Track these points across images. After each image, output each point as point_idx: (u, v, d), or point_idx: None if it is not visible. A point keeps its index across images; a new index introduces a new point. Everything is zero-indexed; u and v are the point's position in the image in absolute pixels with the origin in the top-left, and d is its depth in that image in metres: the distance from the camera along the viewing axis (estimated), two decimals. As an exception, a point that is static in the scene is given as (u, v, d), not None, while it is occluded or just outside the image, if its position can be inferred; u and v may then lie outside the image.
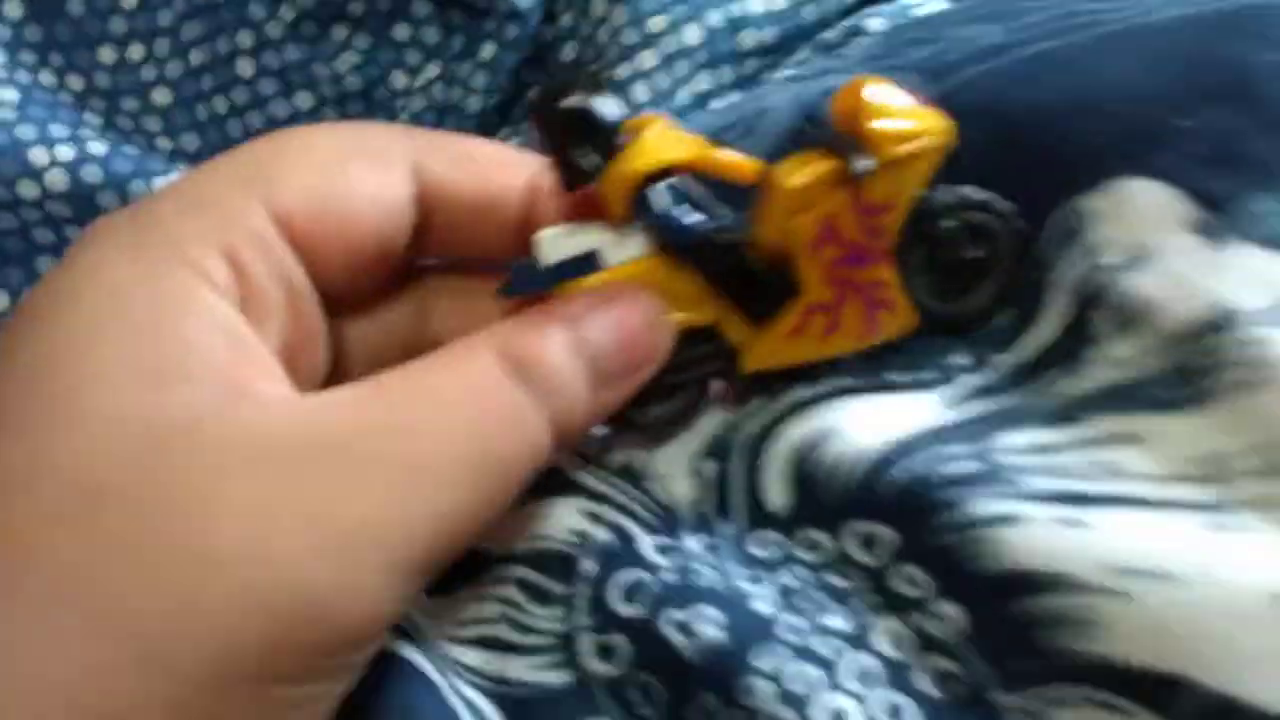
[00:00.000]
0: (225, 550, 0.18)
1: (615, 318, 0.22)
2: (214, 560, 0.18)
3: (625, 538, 0.23)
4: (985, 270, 0.24)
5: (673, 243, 0.23)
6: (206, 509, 0.18)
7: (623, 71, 0.37)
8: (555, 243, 0.23)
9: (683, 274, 0.23)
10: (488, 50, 0.37)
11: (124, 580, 0.18)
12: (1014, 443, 0.22)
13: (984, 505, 0.20)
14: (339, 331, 0.24)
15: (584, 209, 0.23)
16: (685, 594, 0.22)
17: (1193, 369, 0.21)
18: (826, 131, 0.23)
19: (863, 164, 0.22)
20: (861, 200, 0.22)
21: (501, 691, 0.22)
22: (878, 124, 0.22)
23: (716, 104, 0.36)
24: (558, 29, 0.39)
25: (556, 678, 0.22)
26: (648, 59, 0.37)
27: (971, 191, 0.23)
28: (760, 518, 0.23)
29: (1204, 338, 0.21)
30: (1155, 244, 0.22)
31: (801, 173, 0.22)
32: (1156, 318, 0.21)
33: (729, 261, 0.23)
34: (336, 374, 0.24)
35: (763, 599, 0.21)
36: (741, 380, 0.24)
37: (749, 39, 0.37)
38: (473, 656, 0.23)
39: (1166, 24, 0.24)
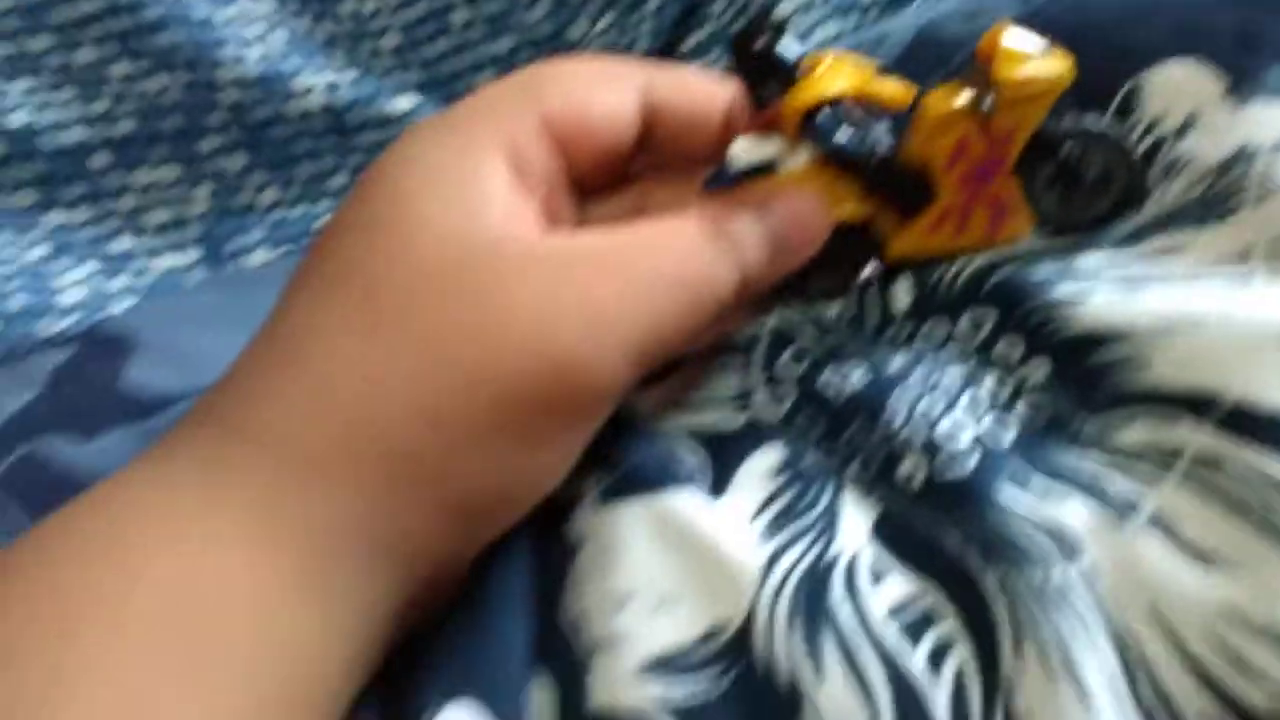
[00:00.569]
0: (519, 324, 0.25)
1: (789, 205, 0.29)
2: (513, 328, 0.25)
3: (788, 330, 0.30)
4: (1102, 186, 0.29)
5: (831, 155, 0.28)
6: (507, 299, 0.25)
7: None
8: (744, 150, 0.29)
9: (842, 179, 0.29)
10: (652, 4, 0.45)
11: (458, 334, 0.25)
12: (1088, 260, 0.28)
13: (1062, 290, 0.27)
14: (583, 205, 0.31)
15: (769, 125, 0.29)
16: (838, 356, 0.29)
17: (1220, 195, 0.27)
18: (973, 67, 0.28)
19: (988, 102, 0.27)
20: (989, 128, 0.27)
21: (700, 433, 0.29)
22: (1004, 69, 0.26)
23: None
24: (708, -14, 0.47)
25: (735, 420, 0.29)
26: (787, 6, 0.44)
27: (1091, 122, 0.29)
28: (888, 318, 0.30)
29: (1230, 170, 0.27)
30: (1195, 109, 0.28)
31: (943, 104, 0.28)
32: (1193, 164, 0.28)
33: (878, 170, 0.29)
34: None
35: (897, 359, 0.29)
36: (887, 263, 0.30)
37: (872, -10, 0.45)
38: (679, 419, 0.30)
39: None
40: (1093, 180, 0.29)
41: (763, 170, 0.29)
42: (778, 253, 0.29)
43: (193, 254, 0.43)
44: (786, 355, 0.29)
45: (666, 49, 0.47)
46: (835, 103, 0.28)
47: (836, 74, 0.28)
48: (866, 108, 0.28)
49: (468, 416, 0.25)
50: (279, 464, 0.24)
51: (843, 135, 0.28)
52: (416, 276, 0.26)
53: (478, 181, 0.27)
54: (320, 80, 0.42)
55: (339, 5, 0.45)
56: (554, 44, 0.46)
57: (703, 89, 0.30)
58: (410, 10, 0.46)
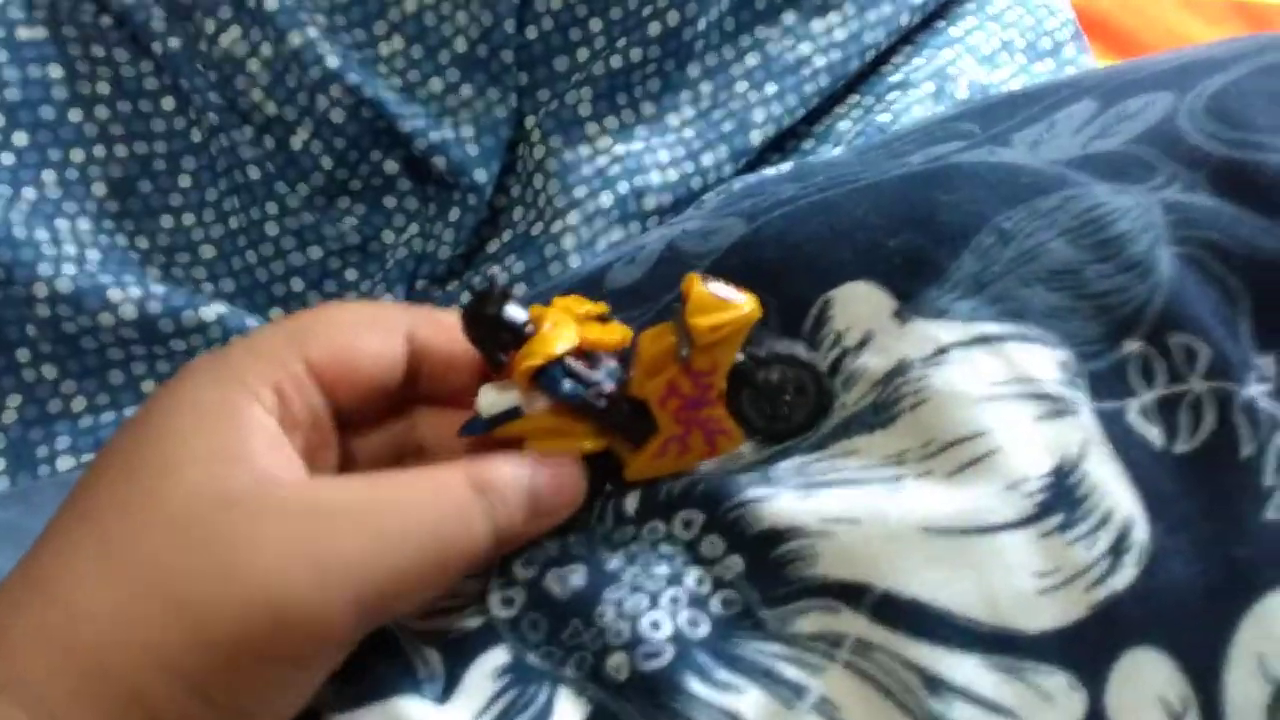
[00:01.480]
0: (254, 572, 0.27)
1: (551, 470, 0.31)
2: (247, 577, 0.27)
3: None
4: (798, 401, 0.33)
5: (562, 404, 0.31)
6: (248, 547, 0.27)
7: (555, 226, 0.49)
8: (490, 402, 0.32)
9: (577, 418, 0.32)
10: (454, 214, 0.49)
11: (193, 580, 0.26)
12: (779, 467, 0.32)
13: (753, 492, 0.31)
14: (349, 439, 0.33)
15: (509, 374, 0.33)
16: (562, 559, 0.32)
17: (886, 402, 0.31)
18: (679, 309, 0.30)
19: (685, 352, 0.31)
20: (691, 369, 0.31)
21: (440, 640, 0.32)
22: (696, 319, 0.30)
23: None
24: (509, 197, 0.52)
25: (473, 622, 0.32)
26: (573, 218, 0.49)
27: (785, 347, 0.33)
28: (620, 520, 0.33)
29: (891, 381, 0.31)
30: (871, 327, 0.33)
31: (652, 348, 0.32)
32: (866, 374, 0.32)
33: (604, 412, 0.32)
34: (345, 470, 0.33)
35: (614, 561, 0.31)
36: (626, 484, 0.33)
37: (650, 202, 0.49)
38: (427, 622, 0.32)
39: (893, 180, 0.36)
40: (789, 398, 0.33)
41: (508, 415, 0.32)
42: (537, 515, 0.31)
43: None
44: (520, 558, 0.32)
45: (470, 254, 0.51)
46: (559, 360, 0.31)
47: (558, 333, 0.31)
48: (589, 355, 0.32)
49: (200, 663, 0.26)
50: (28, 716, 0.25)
51: (568, 387, 0.31)
52: (167, 521, 0.27)
53: (239, 425, 0.29)
54: (132, 293, 0.45)
55: (158, 220, 0.49)
56: (361, 252, 0.49)
57: (460, 333, 0.33)
58: (226, 224, 0.49)
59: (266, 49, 0.48)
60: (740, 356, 0.32)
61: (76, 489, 0.29)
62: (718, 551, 0.31)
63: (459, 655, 0.30)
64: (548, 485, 0.31)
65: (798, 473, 0.31)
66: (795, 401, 0.33)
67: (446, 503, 0.29)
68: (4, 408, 0.46)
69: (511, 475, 0.30)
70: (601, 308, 0.33)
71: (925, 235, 0.33)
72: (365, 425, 0.33)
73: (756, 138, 0.52)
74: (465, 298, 0.49)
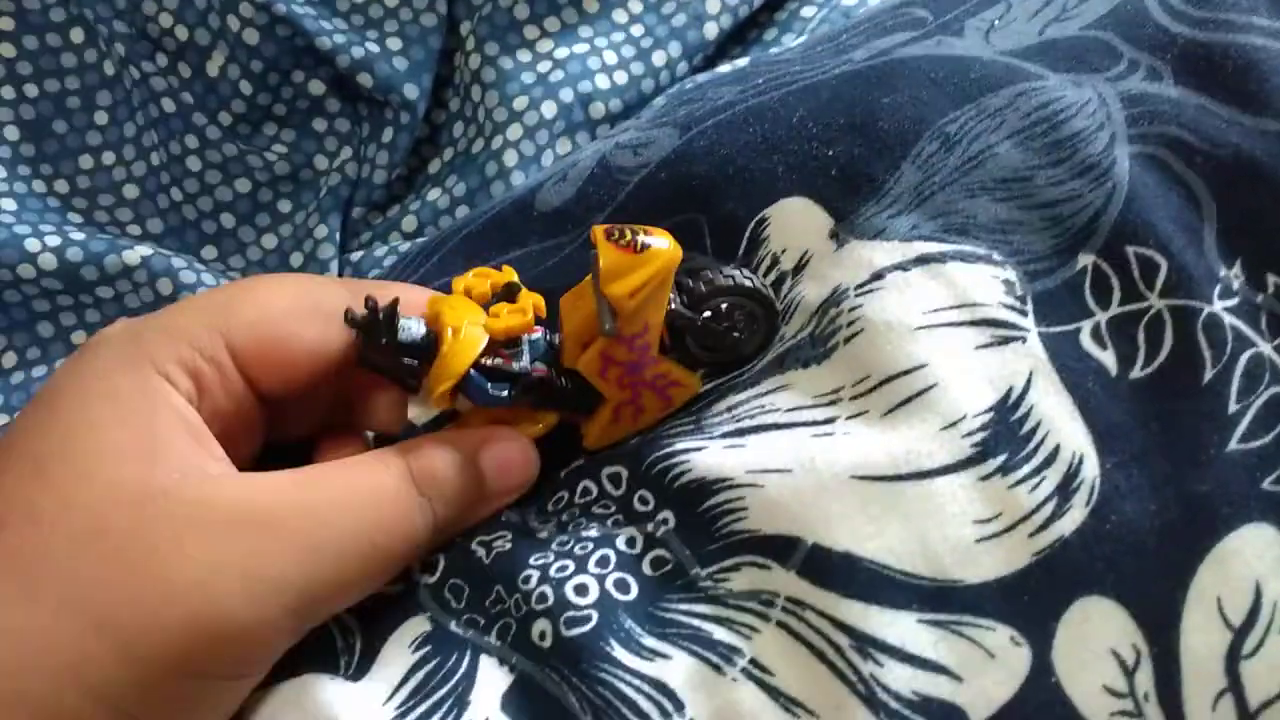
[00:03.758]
0: (181, 584, 0.25)
1: (500, 451, 0.29)
2: (174, 589, 0.25)
3: None
4: (747, 329, 0.30)
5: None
6: (172, 555, 0.25)
7: (496, 142, 0.46)
8: (417, 413, 0.30)
9: (517, 405, 0.29)
10: (388, 134, 0.46)
11: (115, 593, 0.25)
12: (716, 407, 0.29)
13: (683, 443, 0.28)
14: (276, 416, 0.30)
15: None
16: (489, 526, 0.30)
17: (822, 335, 0.28)
18: (594, 263, 0.27)
19: (608, 326, 0.28)
20: (621, 337, 0.28)
21: (359, 609, 0.30)
22: (612, 287, 0.27)
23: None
24: (447, 112, 0.48)
25: (393, 588, 0.30)
26: (514, 131, 0.45)
27: (727, 277, 0.30)
28: (551, 483, 0.31)
29: (826, 311, 0.29)
30: (807, 248, 0.30)
31: (572, 319, 0.29)
32: (803, 304, 0.29)
33: (543, 398, 0.29)
34: (273, 449, 0.31)
35: (544, 529, 0.29)
36: (588, 453, 0.31)
37: (598, 109, 0.46)
38: None
39: (832, 80, 0.33)
40: (738, 333, 0.30)
41: (440, 420, 0.30)
42: (484, 501, 0.29)
43: (-69, 425, 0.43)
44: None
45: (410, 175, 0.48)
46: (471, 371, 0.28)
47: (461, 343, 0.28)
48: (505, 351, 0.29)
49: (126, 682, 0.24)
50: None
51: (492, 390, 0.28)
52: (85, 529, 0.25)
53: (155, 415, 0.26)
54: (51, 242, 0.43)
55: (76, 161, 0.46)
56: (293, 181, 0.47)
57: (415, 306, 0.30)
58: (148, 160, 0.46)
59: (171, -32, 0.44)
60: (674, 302, 0.29)
61: None
62: (648, 506, 0.28)
63: (376, 625, 0.29)
64: (495, 470, 0.29)
65: (729, 415, 0.29)
66: (745, 332, 0.30)
67: (385, 505, 0.27)
68: (-68, 369, 0.44)
69: (454, 466, 0.28)
70: (507, 275, 0.30)
71: (863, 144, 0.30)
72: (295, 405, 0.31)
73: (711, 30, 0.48)
74: (409, 222, 0.46)
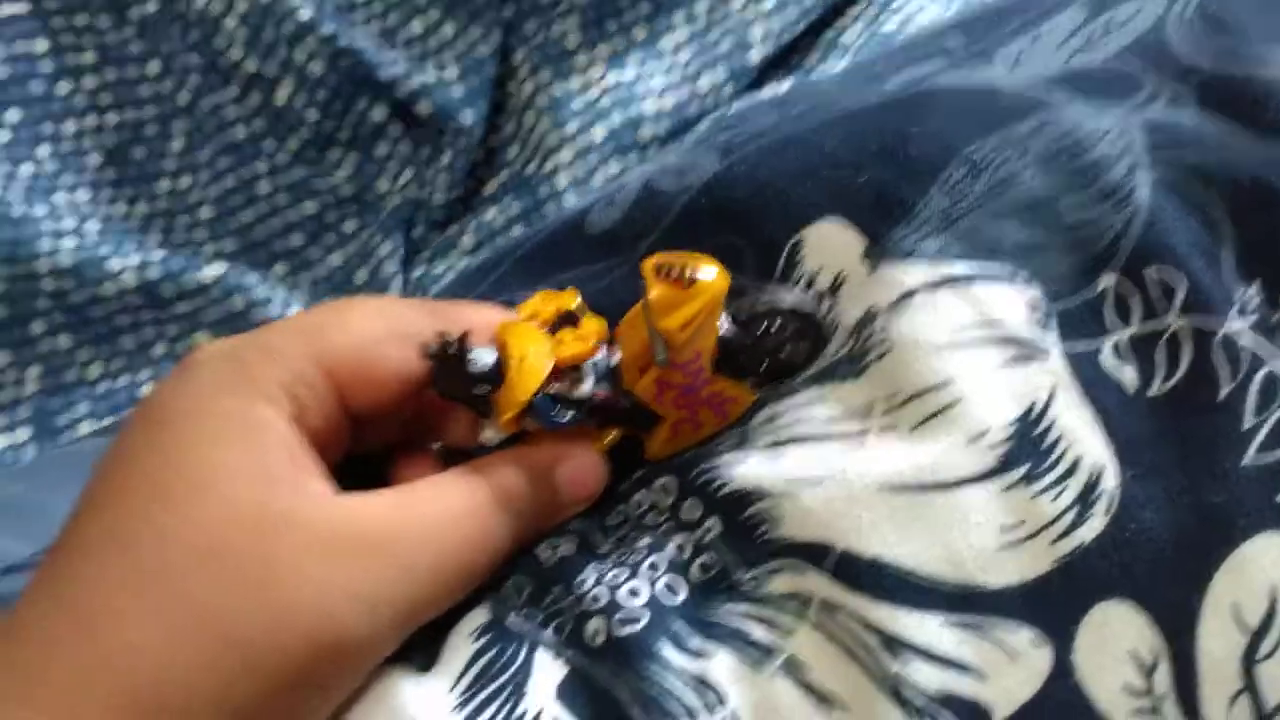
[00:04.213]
0: (301, 604, 0.26)
1: (572, 466, 0.31)
2: (295, 609, 0.26)
3: None
4: (798, 348, 0.32)
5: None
6: (292, 577, 0.27)
7: (548, 165, 0.48)
8: (489, 435, 0.31)
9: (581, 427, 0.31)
10: (446, 157, 0.49)
11: (241, 611, 0.26)
12: (759, 417, 0.31)
13: (728, 456, 0.30)
14: (359, 429, 0.32)
15: None
16: (556, 533, 0.31)
17: (857, 353, 0.30)
18: (645, 305, 0.29)
19: (661, 357, 0.30)
20: (675, 363, 0.30)
21: None
22: (662, 320, 0.28)
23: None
24: (502, 136, 0.51)
25: None
26: (566, 154, 0.48)
27: (767, 299, 0.32)
28: (610, 497, 0.33)
29: (860, 331, 0.30)
30: (843, 269, 0.31)
31: (629, 345, 0.31)
32: (842, 323, 0.31)
33: (606, 419, 0.31)
34: (353, 460, 0.32)
35: (604, 544, 0.31)
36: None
37: (646, 133, 0.48)
38: None
39: (867, 109, 0.34)
40: (787, 348, 0.32)
41: (513, 439, 0.31)
42: (559, 511, 0.31)
43: (23, 433, 0.46)
44: None
45: (467, 196, 0.50)
46: (537, 397, 0.30)
47: (528, 369, 0.30)
48: (569, 375, 0.31)
49: (249, 696, 0.26)
50: None
51: (556, 415, 0.30)
52: (206, 551, 0.26)
53: (264, 438, 0.28)
54: (132, 261, 0.46)
55: (155, 185, 0.49)
56: (357, 202, 0.49)
57: (485, 329, 0.32)
58: (221, 183, 0.49)
59: (242, 4, 0.47)
60: (724, 325, 0.31)
61: (96, 493, 0.28)
62: (696, 514, 0.30)
63: (442, 616, 0.31)
64: (569, 484, 0.31)
65: (769, 426, 0.30)
66: (794, 348, 0.32)
67: (475, 524, 0.29)
68: (25, 379, 0.47)
69: (532, 483, 0.30)
70: (571, 299, 0.32)
71: (894, 170, 0.32)
72: (376, 422, 0.32)
73: (755, 56, 0.50)
74: (467, 240, 0.49)
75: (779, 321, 0.32)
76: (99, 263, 0.46)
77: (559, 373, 0.30)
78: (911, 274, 0.30)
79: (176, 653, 0.26)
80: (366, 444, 0.33)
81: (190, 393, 0.29)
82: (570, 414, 0.31)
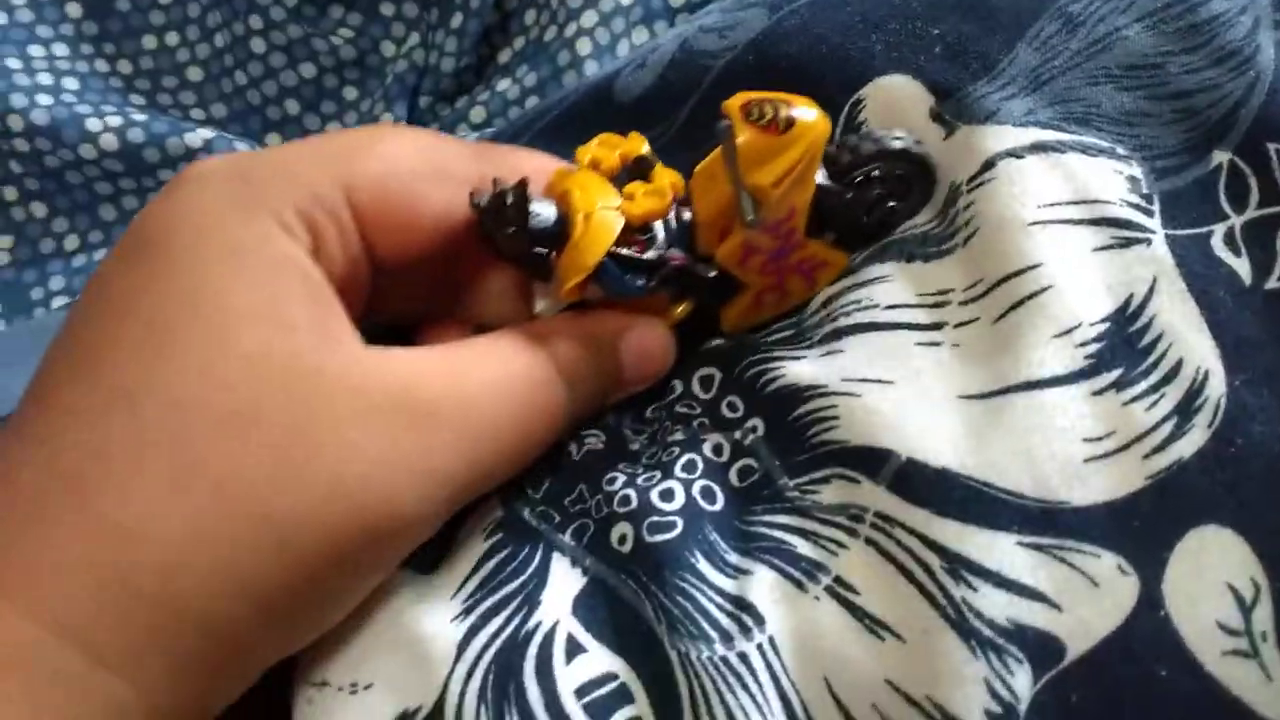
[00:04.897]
0: (348, 478, 0.23)
1: (639, 340, 0.28)
2: (340, 484, 0.23)
3: None
4: (903, 198, 0.28)
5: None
6: (336, 446, 0.23)
7: (569, 30, 0.43)
8: (544, 305, 0.27)
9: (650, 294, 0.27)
10: (457, 19, 0.44)
11: (274, 484, 0.22)
12: (812, 305, 0.28)
13: (780, 350, 0.27)
14: (382, 286, 0.27)
15: None
16: (584, 424, 0.28)
17: (938, 234, 0.26)
18: (725, 134, 0.24)
19: (750, 218, 0.25)
20: (765, 225, 0.26)
21: None
22: (754, 175, 0.25)
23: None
24: (519, -1, 0.46)
25: None
26: (589, 18, 0.43)
27: (876, 141, 0.27)
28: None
29: (947, 209, 0.26)
30: (911, 129, 0.28)
31: (705, 204, 0.26)
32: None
33: (682, 287, 0.27)
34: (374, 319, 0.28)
35: (637, 440, 0.28)
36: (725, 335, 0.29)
37: (678, -2, 0.44)
38: None
39: None
40: (892, 203, 0.28)
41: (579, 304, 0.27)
42: (620, 386, 0.28)
43: (-6, 308, 0.42)
44: None
45: (479, 63, 0.46)
46: (606, 260, 0.26)
47: (595, 232, 0.25)
48: (639, 236, 0.27)
49: (281, 582, 0.22)
50: (53, 648, 0.21)
51: (627, 282, 0.26)
52: (231, 412, 0.22)
53: (283, 274, 0.23)
54: (113, 122, 0.42)
55: (139, 41, 0.45)
56: (359, 67, 0.45)
57: (541, 177, 0.27)
58: (211, 42, 0.45)
59: None
60: (821, 176, 0.27)
61: (79, 338, 0.23)
62: (736, 413, 0.27)
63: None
64: (635, 359, 0.28)
65: (824, 313, 0.27)
66: (900, 198, 0.28)
67: (536, 392, 0.26)
68: (-4, 251, 0.43)
69: (597, 354, 0.27)
70: (639, 144, 0.27)
71: (974, 22, 0.28)
72: (403, 279, 0.28)
73: (802, -88, 0.45)
74: (477, 113, 0.44)
75: (882, 169, 0.27)
76: (77, 122, 0.42)
77: (629, 233, 0.26)
78: (995, 138, 0.26)
79: (195, 534, 0.21)
80: (386, 311, 0.29)
81: (191, 214, 0.24)
82: (641, 281, 0.26)
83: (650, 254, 0.26)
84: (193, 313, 0.22)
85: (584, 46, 0.43)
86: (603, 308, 0.28)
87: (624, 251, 0.26)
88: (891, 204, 0.27)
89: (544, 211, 0.26)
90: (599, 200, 0.26)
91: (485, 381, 0.25)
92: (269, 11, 0.44)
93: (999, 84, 0.27)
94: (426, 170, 0.26)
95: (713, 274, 0.27)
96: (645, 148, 0.27)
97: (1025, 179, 0.25)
